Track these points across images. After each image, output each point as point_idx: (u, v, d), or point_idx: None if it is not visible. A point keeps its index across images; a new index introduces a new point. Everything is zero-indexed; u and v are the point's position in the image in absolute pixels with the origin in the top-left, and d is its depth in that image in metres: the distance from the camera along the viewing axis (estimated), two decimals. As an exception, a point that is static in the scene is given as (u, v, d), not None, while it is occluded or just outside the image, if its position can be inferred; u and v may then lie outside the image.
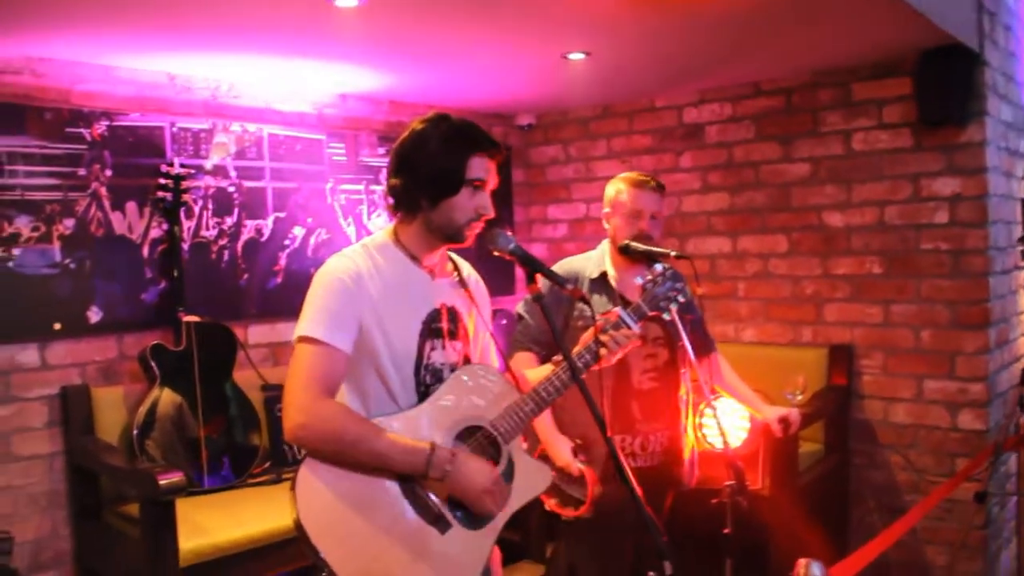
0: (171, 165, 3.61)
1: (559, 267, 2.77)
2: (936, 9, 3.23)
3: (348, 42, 3.37)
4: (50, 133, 3.34)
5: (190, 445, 3.41)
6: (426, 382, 1.94)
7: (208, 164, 3.84)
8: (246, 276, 3.97)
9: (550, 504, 2.62)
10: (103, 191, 3.49)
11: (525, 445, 2.03)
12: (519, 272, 2.12)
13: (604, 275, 2.73)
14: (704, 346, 2.84)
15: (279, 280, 4.08)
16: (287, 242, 4.12)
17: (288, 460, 3.67)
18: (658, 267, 2.34)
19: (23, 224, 3.27)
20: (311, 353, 1.82)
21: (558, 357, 2.06)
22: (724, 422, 2.51)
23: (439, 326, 1.97)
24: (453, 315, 2.01)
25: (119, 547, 3.19)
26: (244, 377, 3.69)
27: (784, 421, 2.81)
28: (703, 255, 4.53)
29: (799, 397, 3.07)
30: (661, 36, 3.42)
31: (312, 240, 4.21)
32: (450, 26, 3.18)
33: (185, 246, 3.71)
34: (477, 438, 1.94)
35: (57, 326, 3.36)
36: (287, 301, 3.95)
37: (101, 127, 3.49)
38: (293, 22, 3.03)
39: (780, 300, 4.36)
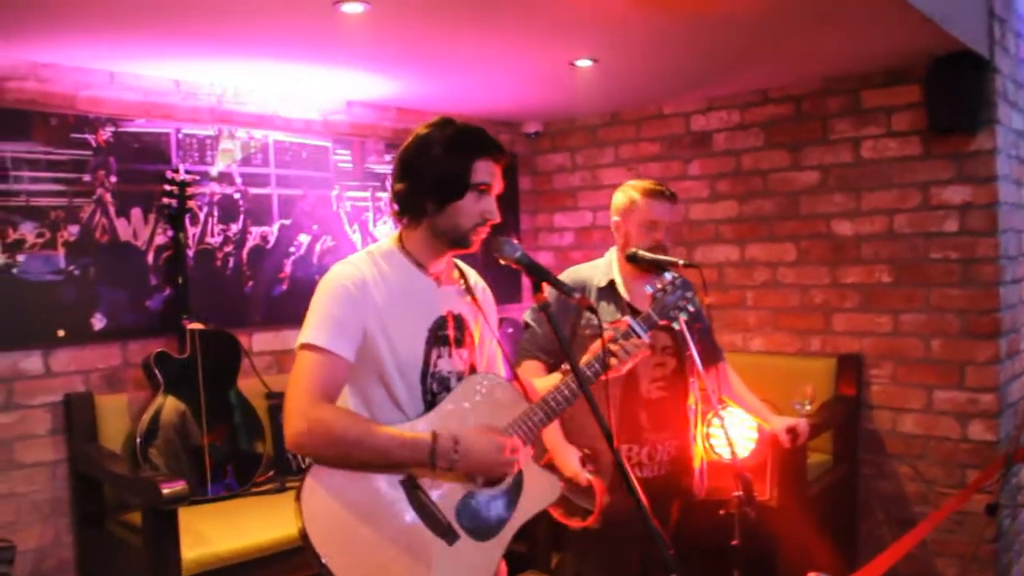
0: (176, 172, 3.61)
1: (566, 276, 2.75)
2: (946, 15, 3.21)
3: (354, 49, 3.36)
4: (55, 139, 3.34)
5: (194, 453, 3.39)
6: (433, 390, 1.92)
7: (213, 171, 3.83)
8: (251, 283, 3.96)
9: (557, 514, 2.59)
10: (108, 197, 3.48)
11: (532, 453, 2.01)
12: (526, 280, 2.10)
13: (612, 283, 2.70)
14: (712, 355, 2.81)
15: (284, 287, 4.06)
16: (292, 249, 4.10)
17: (292, 469, 3.65)
18: (668, 276, 2.33)
19: (28, 230, 3.26)
20: (312, 361, 1.80)
21: (567, 366, 2.04)
22: (732, 433, 2.48)
23: (445, 334, 1.95)
24: (459, 323, 1.99)
25: (121, 556, 3.17)
26: (248, 385, 3.67)
27: (792, 431, 2.78)
28: (711, 263, 4.51)
29: (807, 407, 3.04)
30: (669, 43, 3.40)
31: (317, 247, 4.19)
32: (457, 33, 3.17)
33: (190, 253, 3.71)
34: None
35: (61, 333, 3.35)
36: (292, 308, 3.94)
37: (106, 133, 3.48)
38: (299, 28, 3.02)
39: (788, 309, 4.33)
